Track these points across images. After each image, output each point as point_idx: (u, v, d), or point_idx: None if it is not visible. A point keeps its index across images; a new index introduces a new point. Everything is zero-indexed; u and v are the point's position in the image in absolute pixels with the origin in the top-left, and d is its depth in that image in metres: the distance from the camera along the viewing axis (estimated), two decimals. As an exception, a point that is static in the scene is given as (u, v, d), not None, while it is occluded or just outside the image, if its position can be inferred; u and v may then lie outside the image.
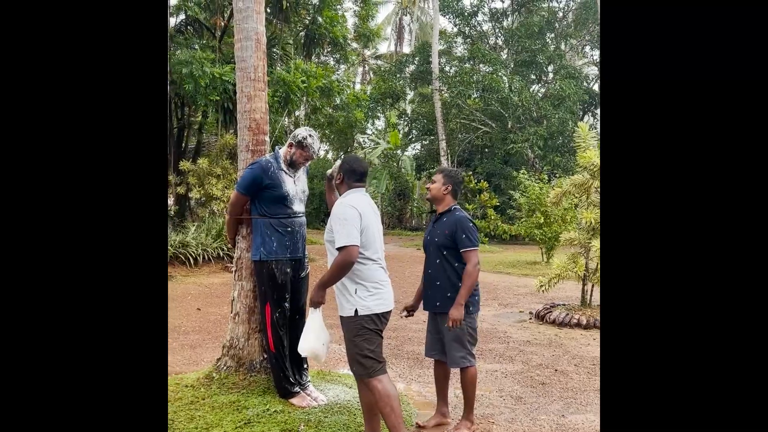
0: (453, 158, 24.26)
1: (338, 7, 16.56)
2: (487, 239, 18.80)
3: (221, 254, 12.80)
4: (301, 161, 3.97)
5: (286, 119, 17.36)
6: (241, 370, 4.06)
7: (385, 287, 3.31)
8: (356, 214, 3.15)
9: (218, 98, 13.89)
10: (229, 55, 15.15)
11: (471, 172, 21.70)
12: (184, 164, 14.86)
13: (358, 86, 36.74)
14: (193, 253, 12.15)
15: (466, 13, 23.98)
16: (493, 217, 17.17)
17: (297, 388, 3.98)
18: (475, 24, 24.97)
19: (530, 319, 7.87)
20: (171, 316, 7.78)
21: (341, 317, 3.29)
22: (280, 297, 3.90)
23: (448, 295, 3.70)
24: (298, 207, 4.03)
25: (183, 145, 17.26)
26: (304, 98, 15.02)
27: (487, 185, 18.89)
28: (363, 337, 3.19)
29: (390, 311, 3.34)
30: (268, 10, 15.61)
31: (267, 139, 4.17)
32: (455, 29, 25.67)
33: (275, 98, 13.66)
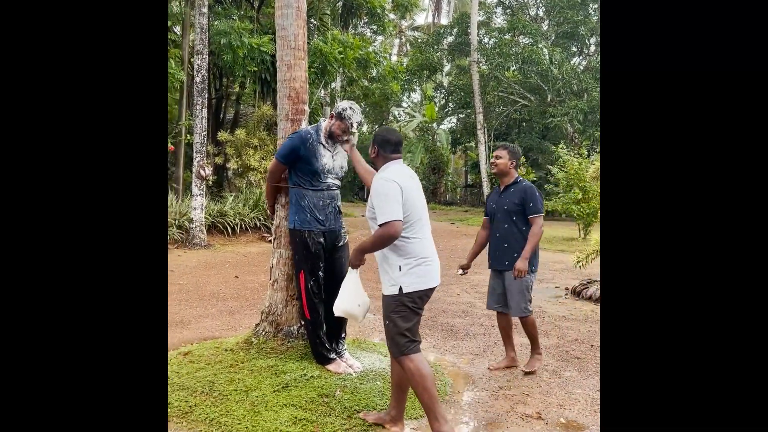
0: (490, 132, 23.97)
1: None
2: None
3: (258, 224, 13.00)
4: (338, 133, 3.94)
5: (322, 91, 17.34)
6: (279, 335, 4.13)
7: (432, 262, 3.20)
8: (397, 188, 3.03)
9: (256, 69, 13.97)
10: (267, 25, 15.19)
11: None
12: (222, 135, 15.03)
13: (394, 58, 36.43)
14: (231, 222, 12.36)
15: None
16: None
17: (333, 355, 4.04)
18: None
19: (566, 294, 7.81)
20: (210, 282, 7.96)
21: (383, 295, 3.21)
22: (314, 266, 3.94)
23: (515, 255, 4.28)
24: (333, 180, 4.03)
25: (221, 115, 17.43)
26: (341, 70, 14.94)
27: (524, 160, 18.66)
28: (400, 314, 3.11)
29: (435, 287, 3.24)
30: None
31: (306, 108, 4.18)
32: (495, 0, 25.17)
33: (312, 69, 13.65)
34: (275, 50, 4.28)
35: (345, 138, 3.99)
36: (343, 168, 4.11)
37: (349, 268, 3.33)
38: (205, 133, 11.10)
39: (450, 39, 25.19)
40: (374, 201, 3.07)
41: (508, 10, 24.86)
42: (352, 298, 3.34)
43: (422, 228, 3.17)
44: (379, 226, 3.01)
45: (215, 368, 3.92)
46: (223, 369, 3.91)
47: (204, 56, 10.95)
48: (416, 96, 35.47)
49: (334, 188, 4.06)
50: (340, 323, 4.15)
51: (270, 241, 12.87)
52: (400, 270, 3.10)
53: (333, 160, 4.01)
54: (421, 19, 41.30)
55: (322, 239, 3.96)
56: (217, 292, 7.37)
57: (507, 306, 4.44)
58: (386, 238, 3.01)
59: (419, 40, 30.00)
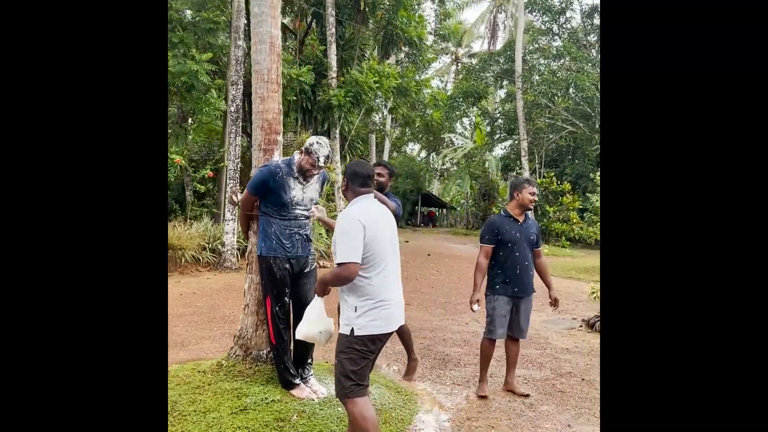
0: (540, 159, 23.66)
1: (416, 6, 16.64)
2: (568, 243, 18.23)
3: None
4: (307, 167, 4.02)
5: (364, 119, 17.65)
6: (248, 359, 4.23)
7: (390, 305, 3.06)
8: (359, 227, 2.93)
9: (295, 98, 14.35)
10: (309, 56, 15.62)
11: (553, 174, 21.10)
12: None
13: (449, 86, 36.67)
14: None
15: (554, 11, 23.34)
16: (575, 221, 16.63)
17: (298, 380, 4.11)
18: (564, 21, 24.23)
19: (580, 326, 7.61)
20: (226, 305, 8.18)
21: (339, 332, 3.14)
22: (280, 291, 4.04)
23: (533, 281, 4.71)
24: (301, 211, 4.13)
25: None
26: (376, 99, 15.21)
27: (570, 187, 18.32)
28: (348, 356, 3.01)
29: (391, 333, 3.12)
30: (336, 12, 15.91)
31: (279, 138, 4.33)
32: (543, 26, 25.04)
33: (347, 98, 13.94)
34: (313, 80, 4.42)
35: (315, 172, 4.10)
36: (313, 200, 4.21)
37: (315, 295, 3.36)
38: (238, 160, 11.48)
39: (497, 66, 25.18)
40: (335, 237, 3.01)
41: (555, 37, 24.68)
42: (314, 323, 3.38)
43: (385, 268, 3.05)
44: (336, 264, 2.95)
45: (182, 389, 4.06)
46: (189, 390, 4.03)
47: (239, 86, 11.38)
48: (468, 121, 35.54)
49: (302, 218, 4.16)
50: (306, 348, 4.22)
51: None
52: (355, 311, 3.01)
53: (303, 193, 4.11)
54: (478, 46, 41.55)
55: (287, 265, 4.07)
56: (228, 315, 7.57)
57: (518, 330, 4.70)
58: (341, 279, 2.95)
59: (466, 67, 30.08)
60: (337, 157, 15.25)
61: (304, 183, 4.10)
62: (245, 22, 11.85)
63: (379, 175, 4.61)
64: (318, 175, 4.19)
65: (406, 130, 35.23)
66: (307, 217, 4.20)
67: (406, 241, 20.44)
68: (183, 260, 10.79)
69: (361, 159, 18.29)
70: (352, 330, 3.00)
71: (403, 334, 4.85)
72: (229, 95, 11.68)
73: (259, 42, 4.23)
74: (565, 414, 4.30)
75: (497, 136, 27.93)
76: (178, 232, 10.94)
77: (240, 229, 4.45)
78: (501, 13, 39.00)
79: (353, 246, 2.90)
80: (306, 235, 4.19)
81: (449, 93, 23.82)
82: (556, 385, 5.00)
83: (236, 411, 3.76)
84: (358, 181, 3.19)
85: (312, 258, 4.27)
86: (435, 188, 43.48)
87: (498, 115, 25.81)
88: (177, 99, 14.80)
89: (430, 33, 19.65)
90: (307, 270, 4.21)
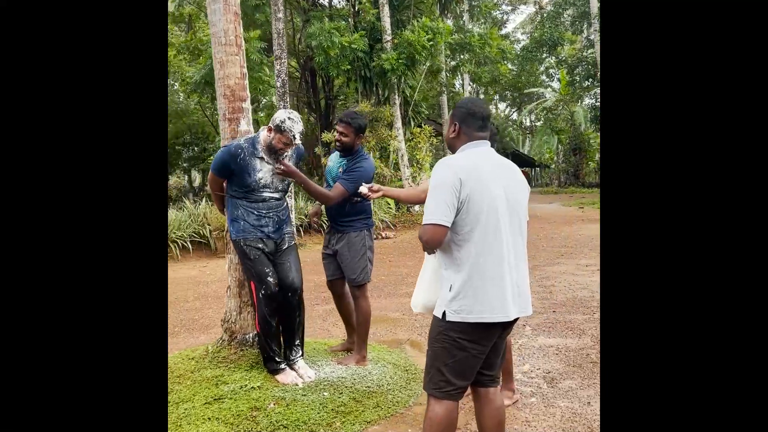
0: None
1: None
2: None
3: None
4: (280, 146, 3.63)
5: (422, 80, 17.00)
6: (233, 343, 3.99)
7: (499, 287, 2.32)
8: (452, 179, 2.27)
9: (349, 67, 14.00)
10: (362, 21, 15.19)
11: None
12: (326, 136, 15.31)
13: (527, 37, 34.86)
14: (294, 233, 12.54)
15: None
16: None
17: (283, 365, 3.82)
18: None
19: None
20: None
21: (433, 315, 2.49)
22: (260, 272, 3.72)
23: None
24: (271, 194, 3.76)
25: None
26: (429, 57, 14.52)
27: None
28: (441, 344, 2.37)
29: (502, 324, 2.37)
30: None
31: (245, 105, 3.97)
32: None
33: (400, 60, 13.40)
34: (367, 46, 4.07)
35: (288, 151, 3.73)
36: (285, 181, 3.84)
37: (425, 254, 2.67)
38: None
39: (573, 9, 23.44)
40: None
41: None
42: (433, 287, 2.62)
43: (495, 238, 2.33)
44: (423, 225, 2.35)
45: (165, 378, 3.88)
46: (170, 378, 3.85)
47: (283, 60, 11.17)
48: (554, 72, 33.61)
49: (272, 201, 3.80)
50: (292, 330, 3.91)
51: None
52: (450, 289, 2.35)
53: (271, 174, 3.75)
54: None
55: (260, 245, 3.74)
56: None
57: None
58: (423, 242, 2.35)
59: (543, 15, 28.36)
60: (399, 124, 14.77)
61: (274, 163, 3.72)
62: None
63: (341, 134, 4.02)
64: (291, 152, 3.81)
65: (489, 88, 33.93)
66: (279, 199, 3.84)
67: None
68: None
69: (431, 120, 17.54)
70: (444, 314, 2.36)
71: (351, 309, 4.29)
72: (274, 70, 11.50)
73: (213, 2, 3.88)
74: (589, 390, 3.74)
75: (579, 85, 26.04)
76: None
77: (217, 208, 4.16)
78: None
79: (440, 203, 2.26)
80: (279, 216, 3.84)
81: (524, 44, 22.50)
82: (590, 355, 4.41)
83: (210, 401, 3.54)
84: (475, 123, 2.46)
85: (289, 235, 3.92)
86: (527, 147, 41.77)
87: (577, 62, 24.06)
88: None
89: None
90: (285, 247, 3.87)
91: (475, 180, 2.28)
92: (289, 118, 3.58)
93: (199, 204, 11.51)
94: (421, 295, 2.66)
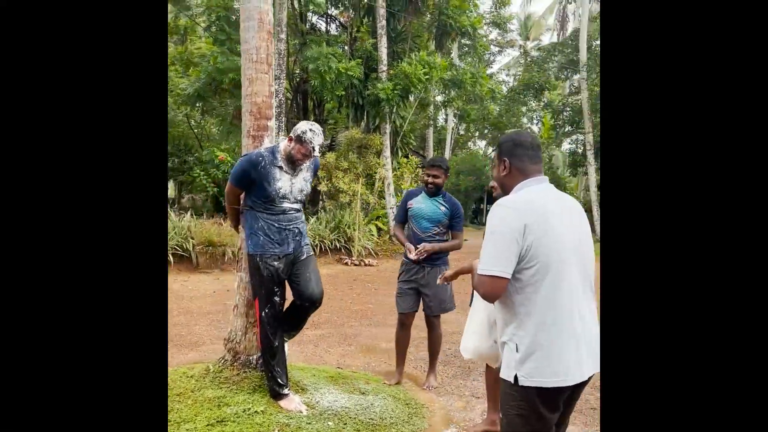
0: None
1: (470, -6, 16.03)
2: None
3: (338, 246, 12.98)
4: (299, 157, 3.64)
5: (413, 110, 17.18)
6: (236, 364, 3.89)
7: (572, 343, 2.06)
8: (517, 224, 2.02)
9: (343, 93, 14.07)
10: (360, 50, 15.33)
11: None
12: (315, 158, 15.31)
13: (512, 78, 35.58)
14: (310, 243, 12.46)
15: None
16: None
17: (286, 390, 3.74)
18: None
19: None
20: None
21: (500, 378, 2.21)
22: (268, 292, 3.67)
23: None
24: (290, 205, 3.75)
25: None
26: (424, 91, 14.71)
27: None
28: (516, 412, 2.11)
29: (572, 386, 2.09)
30: (388, 3, 15.52)
31: (270, 124, 3.96)
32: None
33: (395, 91, 13.53)
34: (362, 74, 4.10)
35: (306, 162, 3.74)
36: (303, 191, 3.82)
37: (475, 294, 2.46)
38: (281, 156, 11.33)
39: (562, 57, 23.99)
40: (485, 235, 2.13)
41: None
42: (483, 334, 2.43)
43: (564, 287, 2.06)
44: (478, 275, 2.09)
45: (164, 396, 3.76)
46: (170, 397, 3.73)
47: (281, 81, 11.19)
48: (536, 115, 34.27)
49: (292, 212, 3.77)
50: (299, 326, 3.92)
51: (347, 263, 12.68)
52: (516, 350, 2.08)
53: (291, 184, 3.72)
54: (547, 38, 40.14)
55: (276, 263, 3.69)
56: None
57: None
58: (481, 295, 2.10)
59: (528, 60, 29.01)
60: (387, 152, 14.84)
61: (292, 173, 3.71)
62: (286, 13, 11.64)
63: (434, 176, 4.40)
64: (308, 164, 3.80)
65: (471, 126, 34.42)
66: (298, 210, 3.82)
67: (465, 240, 19.85)
68: (225, 257, 10.66)
69: (438, 156, 17.58)
70: (516, 378, 2.07)
71: (433, 337, 4.64)
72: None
73: (247, 19, 3.87)
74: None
75: (562, 129, 26.55)
76: (219, 229, 10.82)
77: (231, 224, 4.12)
78: (571, 2, 37.50)
79: (500, 252, 2.02)
80: (298, 229, 3.81)
81: (512, 86, 22.94)
82: (589, 400, 4.40)
83: (213, 422, 3.43)
84: (526, 154, 2.20)
85: (307, 247, 3.88)
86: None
87: (562, 107, 24.56)
88: (227, 96, 14.86)
89: (487, 23, 18.91)
90: (303, 258, 3.83)
91: (542, 224, 2.04)
92: (310, 130, 3.60)
93: (184, 216, 11.30)
94: (471, 340, 2.55)
